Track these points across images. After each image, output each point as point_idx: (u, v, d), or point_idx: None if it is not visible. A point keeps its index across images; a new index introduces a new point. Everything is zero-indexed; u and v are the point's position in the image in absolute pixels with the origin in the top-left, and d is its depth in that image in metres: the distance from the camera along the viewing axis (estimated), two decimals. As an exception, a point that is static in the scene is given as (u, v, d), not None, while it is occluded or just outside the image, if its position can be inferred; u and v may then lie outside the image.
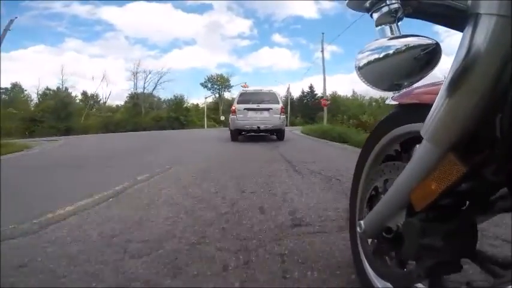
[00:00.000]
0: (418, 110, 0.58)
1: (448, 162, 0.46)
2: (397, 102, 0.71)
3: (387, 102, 0.75)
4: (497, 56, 0.40)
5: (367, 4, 0.62)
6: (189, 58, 57.00)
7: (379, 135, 0.75)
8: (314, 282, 0.91)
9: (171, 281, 0.93)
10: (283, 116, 7.51)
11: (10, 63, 43.89)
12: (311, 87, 42.96)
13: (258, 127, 7.25)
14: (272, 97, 7.75)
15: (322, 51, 17.38)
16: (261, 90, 8.20)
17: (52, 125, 26.61)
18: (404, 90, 0.66)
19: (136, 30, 58.57)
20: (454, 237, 0.50)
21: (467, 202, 0.51)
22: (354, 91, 41.99)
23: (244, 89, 9.08)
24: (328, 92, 43.51)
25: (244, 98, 7.71)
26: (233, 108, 7.55)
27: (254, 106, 7.34)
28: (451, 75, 0.44)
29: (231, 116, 7.49)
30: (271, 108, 7.35)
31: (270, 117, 7.30)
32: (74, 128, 26.59)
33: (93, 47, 52.70)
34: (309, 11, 58.30)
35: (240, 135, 7.82)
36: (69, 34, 52.05)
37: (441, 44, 0.52)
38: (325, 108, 15.71)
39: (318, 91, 43.97)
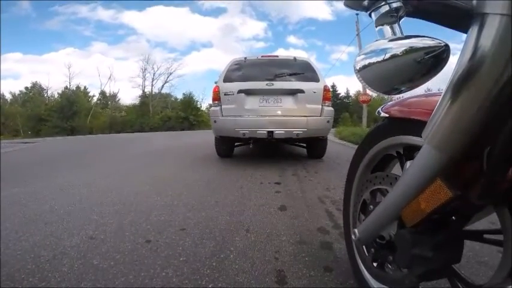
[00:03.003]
0: (408, 123, 0.61)
1: (436, 186, 0.47)
2: (387, 115, 0.70)
3: (377, 113, 0.75)
4: (505, 58, 0.37)
5: (365, 3, 0.56)
6: (206, 60, 54.79)
7: (370, 145, 0.76)
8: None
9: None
10: (329, 109, 3.27)
11: (42, 65, 45.18)
12: (333, 86, 39.96)
13: (270, 132, 3.12)
14: (303, 68, 3.46)
15: (358, 34, 13.78)
16: (276, 56, 3.79)
17: (56, 125, 25.02)
18: (394, 100, 0.68)
19: (156, 34, 58.03)
20: (443, 247, 0.53)
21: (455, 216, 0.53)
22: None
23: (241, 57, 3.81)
24: (352, 92, 40.66)
25: (242, 71, 3.49)
26: (215, 90, 3.38)
27: (262, 86, 3.22)
28: (455, 78, 0.42)
29: (212, 108, 3.40)
30: (302, 91, 3.19)
31: (297, 110, 3.16)
32: (77, 127, 24.80)
33: (117, 50, 52.61)
34: (323, 13, 54.13)
35: (233, 145, 3.83)
36: (95, 38, 51.96)
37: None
38: (364, 106, 12.05)
39: (341, 91, 40.88)
